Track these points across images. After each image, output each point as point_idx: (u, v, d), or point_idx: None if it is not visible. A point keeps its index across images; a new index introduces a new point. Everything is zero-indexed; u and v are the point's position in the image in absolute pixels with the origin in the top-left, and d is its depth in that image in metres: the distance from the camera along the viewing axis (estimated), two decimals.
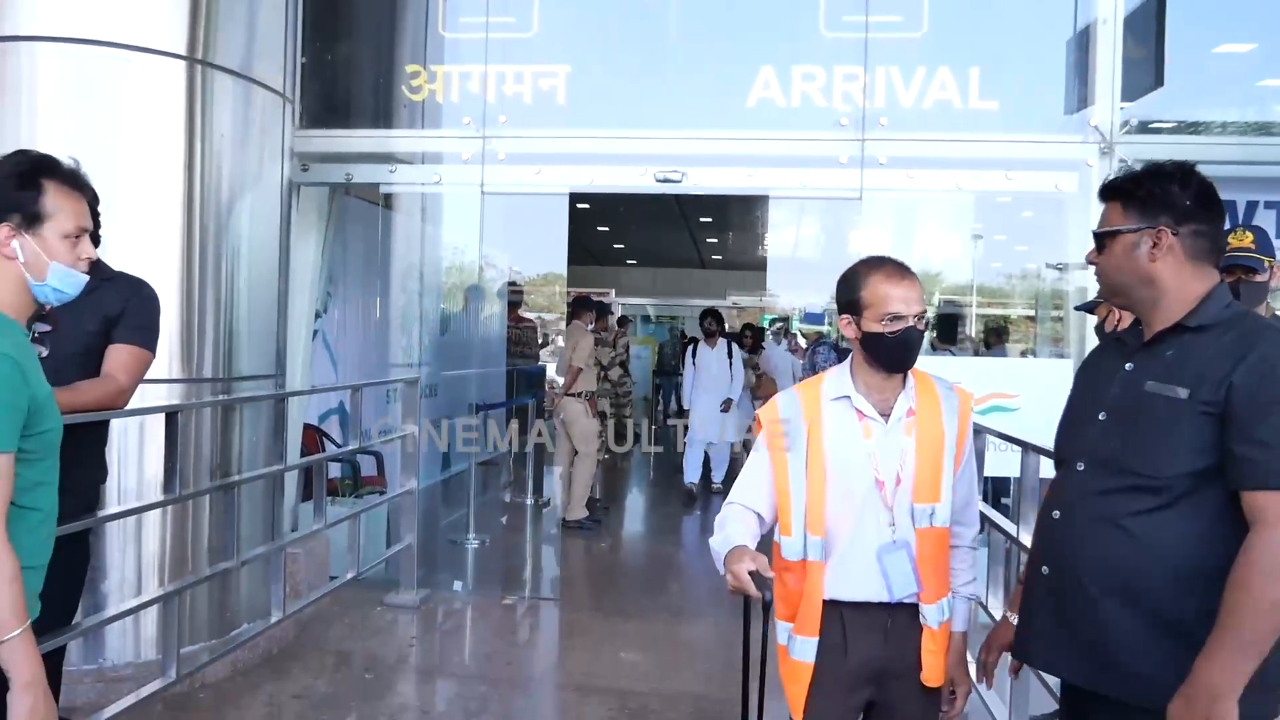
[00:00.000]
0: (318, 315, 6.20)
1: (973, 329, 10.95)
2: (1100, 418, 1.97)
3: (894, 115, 5.39)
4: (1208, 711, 1.68)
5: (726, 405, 9.17)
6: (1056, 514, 2.02)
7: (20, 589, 1.87)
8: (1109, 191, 2.03)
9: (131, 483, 4.16)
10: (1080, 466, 1.99)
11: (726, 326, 10.71)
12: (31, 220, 2.08)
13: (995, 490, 5.70)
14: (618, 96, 5.76)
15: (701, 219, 15.60)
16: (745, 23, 5.80)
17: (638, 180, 5.47)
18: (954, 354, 6.92)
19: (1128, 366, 1.97)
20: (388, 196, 6.80)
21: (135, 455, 4.16)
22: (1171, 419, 1.82)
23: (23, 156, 2.14)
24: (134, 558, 4.20)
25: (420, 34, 6.03)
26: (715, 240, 18.44)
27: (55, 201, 2.12)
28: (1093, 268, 2.07)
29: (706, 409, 9.18)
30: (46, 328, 2.80)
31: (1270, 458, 1.70)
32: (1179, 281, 1.90)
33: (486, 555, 6.88)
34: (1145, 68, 5.47)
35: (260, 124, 4.80)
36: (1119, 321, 3.58)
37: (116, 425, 4.00)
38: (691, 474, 9.22)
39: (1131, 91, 5.36)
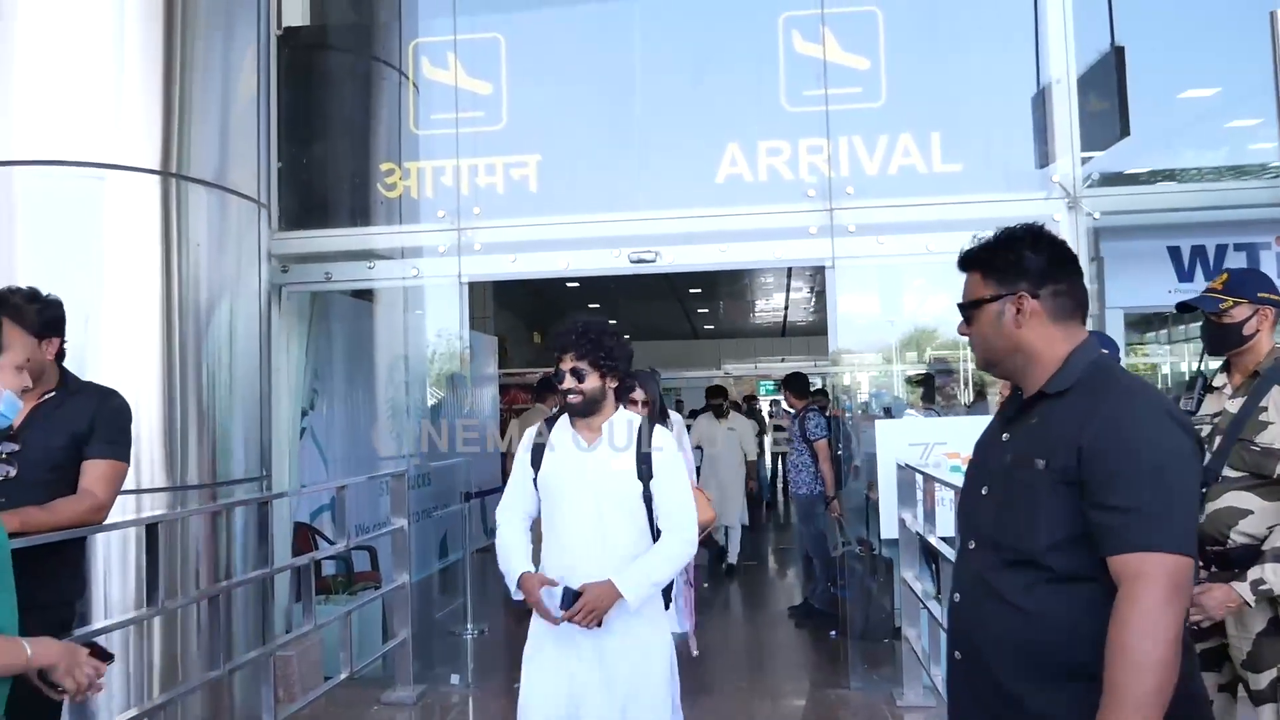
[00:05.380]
0: (305, 413, 6.23)
1: (968, 387, 10.90)
2: (983, 492, 1.93)
3: (860, 183, 5.50)
4: None
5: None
6: (957, 596, 1.97)
7: None
8: (966, 262, 1.98)
9: (117, 593, 4.15)
10: (971, 545, 1.94)
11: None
12: None
13: None
14: (588, 181, 5.87)
15: (691, 290, 15.74)
16: (709, 102, 5.93)
17: (613, 262, 5.56)
18: (937, 414, 6.94)
19: (1004, 437, 1.93)
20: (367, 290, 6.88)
21: (120, 566, 4.16)
22: (1034, 491, 1.78)
23: None
24: (122, 670, 4.17)
25: (393, 132, 6.17)
26: (706, 310, 18.58)
27: (10, 336, 2.19)
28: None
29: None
30: (14, 447, 2.79)
31: (1127, 522, 1.66)
32: (1047, 344, 1.87)
33: (485, 645, 6.80)
34: (1109, 119, 5.58)
35: (236, 230, 4.89)
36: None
37: (100, 537, 4.01)
38: None
39: (1097, 143, 5.46)
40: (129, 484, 4.09)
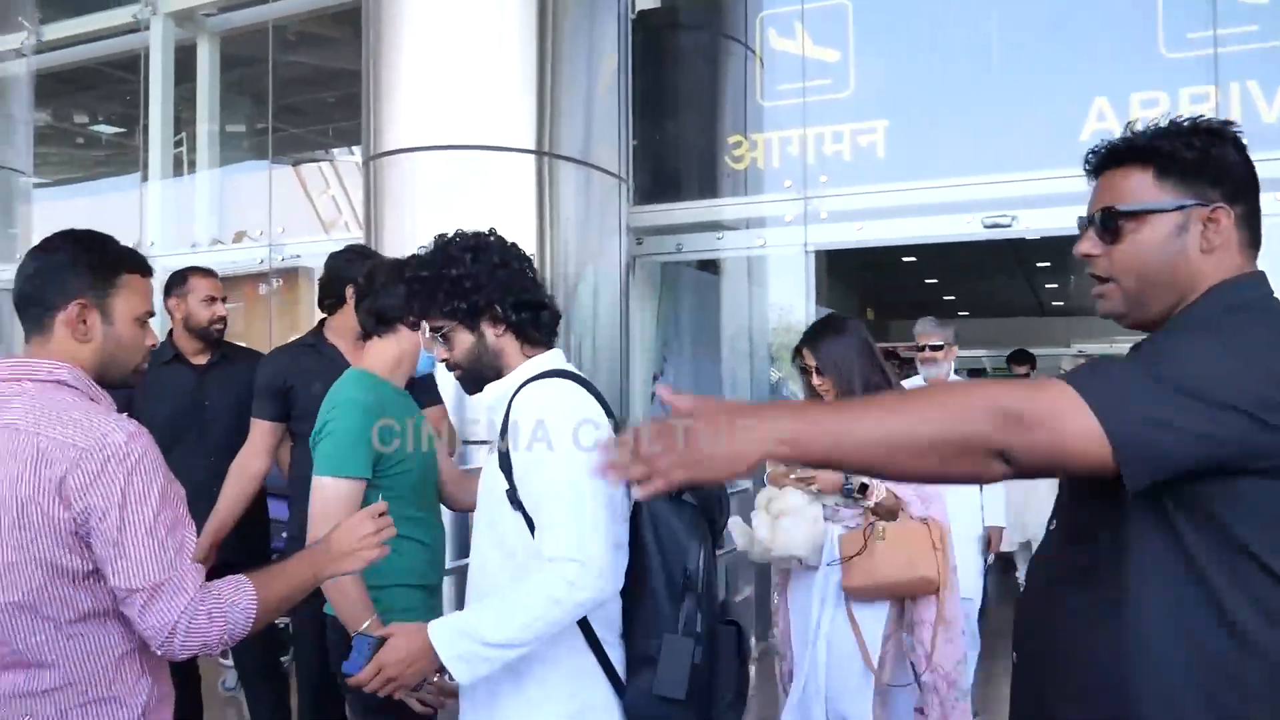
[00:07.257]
0: (655, 378, 6.56)
1: None
2: None
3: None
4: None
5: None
6: (1022, 588, 1.66)
7: (361, 589, 2.16)
8: (1134, 152, 1.42)
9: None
10: (1053, 525, 1.54)
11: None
12: None
13: None
14: (939, 144, 5.67)
15: (1039, 264, 14.79)
16: (1074, 54, 5.51)
17: (964, 228, 5.35)
18: None
19: None
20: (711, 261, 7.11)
21: None
22: None
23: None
24: None
25: (740, 105, 6.31)
26: (1055, 285, 17.36)
27: None
28: (1093, 262, 1.47)
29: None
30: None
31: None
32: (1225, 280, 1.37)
33: None
34: None
35: (600, 205, 5.23)
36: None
37: None
38: None
39: None
40: None
